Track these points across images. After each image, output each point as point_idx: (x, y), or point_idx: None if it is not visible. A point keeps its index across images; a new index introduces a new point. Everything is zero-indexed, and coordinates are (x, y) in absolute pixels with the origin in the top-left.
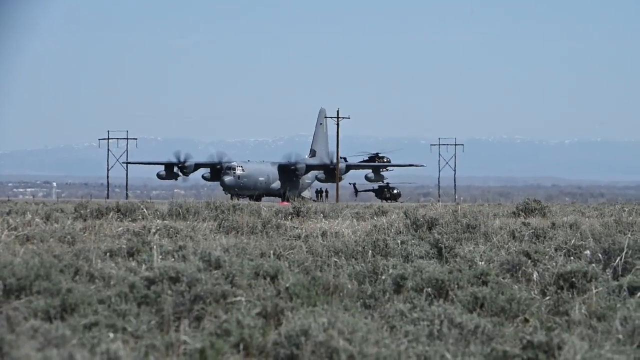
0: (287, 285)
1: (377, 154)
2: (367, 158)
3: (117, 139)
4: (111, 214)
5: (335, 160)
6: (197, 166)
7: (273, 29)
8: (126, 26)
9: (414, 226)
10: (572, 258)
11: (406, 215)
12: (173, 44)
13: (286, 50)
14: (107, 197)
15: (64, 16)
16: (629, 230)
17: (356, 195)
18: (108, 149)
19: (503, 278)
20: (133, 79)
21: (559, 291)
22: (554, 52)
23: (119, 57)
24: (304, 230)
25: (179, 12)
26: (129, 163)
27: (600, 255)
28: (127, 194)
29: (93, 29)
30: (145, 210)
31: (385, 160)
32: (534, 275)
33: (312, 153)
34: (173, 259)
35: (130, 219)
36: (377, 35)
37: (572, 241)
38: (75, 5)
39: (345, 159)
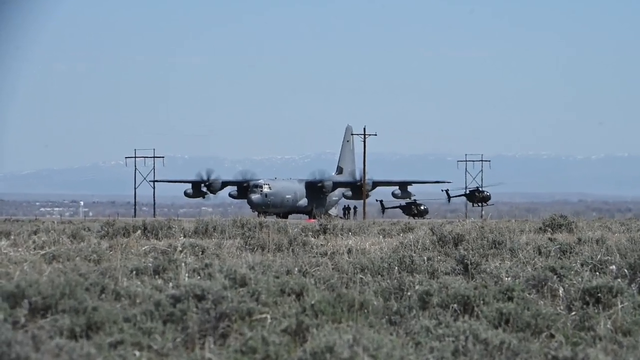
0: (313, 302)
1: (477, 187)
2: (468, 192)
3: (144, 157)
4: (137, 232)
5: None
6: (224, 184)
7: (299, 47)
8: (153, 45)
9: (440, 242)
10: (597, 273)
11: (432, 232)
12: (197, 62)
13: (312, 68)
14: (135, 216)
15: (94, 35)
16: None
17: (383, 212)
18: (135, 168)
19: (529, 294)
20: (159, 97)
21: (584, 306)
22: (578, 68)
23: (145, 75)
24: (330, 248)
25: (204, 29)
26: (156, 181)
27: (626, 270)
28: (154, 212)
29: (122, 49)
30: (170, 228)
31: (485, 194)
32: (560, 291)
33: (339, 170)
34: (199, 277)
35: (156, 237)
36: (402, 52)
37: (598, 256)
38: (106, 23)
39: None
